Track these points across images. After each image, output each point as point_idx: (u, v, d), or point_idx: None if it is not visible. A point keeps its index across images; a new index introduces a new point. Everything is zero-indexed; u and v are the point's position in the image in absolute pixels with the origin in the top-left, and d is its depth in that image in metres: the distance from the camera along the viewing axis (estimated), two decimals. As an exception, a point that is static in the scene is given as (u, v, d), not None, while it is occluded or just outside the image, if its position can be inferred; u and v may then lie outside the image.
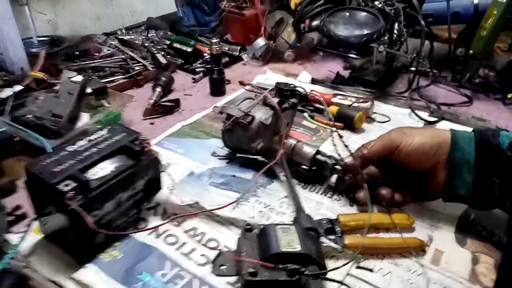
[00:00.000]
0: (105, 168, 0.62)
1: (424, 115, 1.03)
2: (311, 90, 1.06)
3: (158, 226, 0.67)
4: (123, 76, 1.16)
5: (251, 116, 0.79)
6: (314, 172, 0.78)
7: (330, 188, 0.78)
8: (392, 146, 0.68)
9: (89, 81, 0.92)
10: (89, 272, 0.60)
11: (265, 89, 0.81)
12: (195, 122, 0.99)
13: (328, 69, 1.27)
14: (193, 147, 0.89)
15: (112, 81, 1.14)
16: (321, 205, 0.74)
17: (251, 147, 0.80)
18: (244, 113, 0.79)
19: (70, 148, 0.64)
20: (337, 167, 0.73)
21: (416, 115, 1.03)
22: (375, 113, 1.03)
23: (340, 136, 0.70)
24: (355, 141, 0.93)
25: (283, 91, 0.75)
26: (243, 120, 0.79)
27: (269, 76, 1.23)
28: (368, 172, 0.73)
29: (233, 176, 0.80)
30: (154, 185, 0.71)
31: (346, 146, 0.70)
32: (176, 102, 1.06)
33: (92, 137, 0.67)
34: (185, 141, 0.91)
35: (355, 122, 0.95)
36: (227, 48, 1.37)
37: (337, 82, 1.19)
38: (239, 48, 1.36)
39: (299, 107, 1.03)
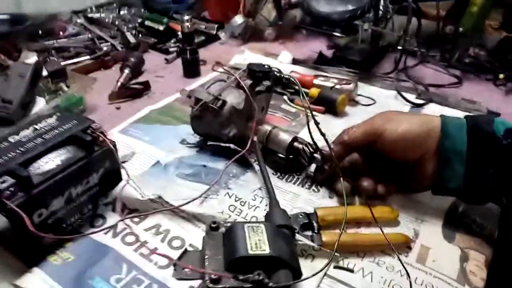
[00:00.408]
0: (51, 161, 0.55)
1: (411, 97, 0.97)
2: (291, 71, 1.00)
3: (112, 226, 0.60)
4: (89, 57, 1.07)
5: (222, 100, 0.72)
6: (291, 161, 0.71)
7: (308, 178, 0.71)
8: (376, 132, 0.62)
9: (46, 63, 0.83)
10: (34, 279, 0.53)
11: (239, 70, 0.74)
12: (165, 107, 0.91)
13: (311, 49, 1.20)
14: (161, 134, 0.82)
15: (77, 62, 1.06)
16: (298, 198, 0.67)
17: (223, 134, 0.73)
18: (214, 97, 0.72)
19: (12, 139, 0.57)
20: (315, 155, 0.67)
21: (403, 97, 0.96)
22: (359, 95, 0.96)
23: (316, 123, 0.63)
24: (337, 125, 0.86)
25: (256, 73, 0.68)
26: (213, 105, 0.71)
27: (248, 56, 1.15)
28: (350, 160, 0.66)
29: (203, 166, 0.73)
30: (112, 177, 0.63)
31: (323, 134, 0.63)
32: (146, 85, 0.98)
33: (38, 126, 0.59)
34: (153, 128, 0.84)
35: (337, 105, 0.88)
36: (203, 27, 1.28)
37: (320, 62, 1.12)
38: (216, 26, 1.28)
39: (278, 90, 0.97)
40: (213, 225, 0.55)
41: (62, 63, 1.01)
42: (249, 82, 0.70)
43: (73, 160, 0.57)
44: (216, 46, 1.26)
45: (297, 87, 0.86)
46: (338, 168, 0.62)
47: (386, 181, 0.64)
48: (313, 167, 0.70)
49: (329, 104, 0.89)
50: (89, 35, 1.16)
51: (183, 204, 0.61)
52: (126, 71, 1.01)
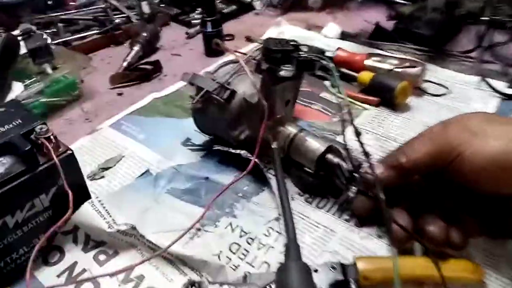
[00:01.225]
0: (-30, 181, 0.39)
1: (501, 85, 0.71)
2: (338, 48, 0.77)
3: (67, 268, 0.44)
4: (97, 31, 0.91)
5: (230, 90, 0.52)
6: (322, 179, 0.51)
7: (348, 205, 0.50)
8: (450, 154, 0.39)
9: (29, 38, 0.67)
10: None
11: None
12: (172, 94, 0.73)
13: (365, 20, 0.95)
14: (161, 131, 0.64)
15: (83, 37, 0.90)
16: (331, 235, 0.47)
17: (231, 136, 0.54)
18: (219, 85, 0.52)
19: None
20: (356, 175, 0.46)
21: (489, 85, 0.71)
22: (427, 81, 0.72)
23: (357, 131, 0.42)
24: (395, 124, 0.64)
25: (272, 53, 0.47)
26: (218, 96, 0.52)
27: (285, 29, 0.93)
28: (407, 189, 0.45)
29: (205, 178, 0.55)
30: (74, 196, 0.46)
31: (364, 150, 0.41)
32: (156, 65, 0.80)
33: (-31, 127, 0.43)
34: (152, 122, 0.66)
35: (397, 95, 0.65)
36: (236, -7, 1.07)
37: (376, 37, 0.87)
38: (251, -8, 1.06)
39: (319, 72, 0.75)
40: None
41: (64, 39, 0.87)
42: (264, 66, 0.49)
43: (7, 177, 0.40)
44: (249, 17, 1.06)
45: (345, 70, 0.66)
46: (385, 206, 0.40)
47: (463, 222, 0.42)
48: (354, 190, 0.49)
49: (385, 94, 0.66)
50: (103, 6, 1.00)
51: (169, 246, 0.43)
52: (136, 48, 0.84)
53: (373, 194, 0.45)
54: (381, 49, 0.82)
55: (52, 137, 0.43)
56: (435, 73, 0.76)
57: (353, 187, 0.47)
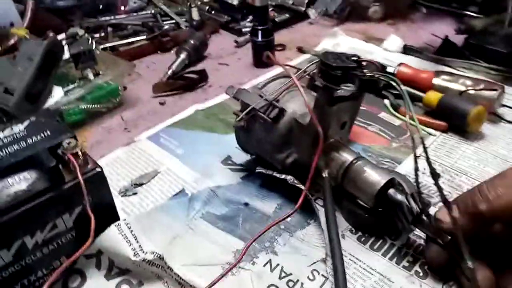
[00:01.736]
0: (-9, 196, 0.36)
1: None
2: (400, 64, 0.70)
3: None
4: (144, 37, 0.88)
5: (278, 109, 0.46)
6: (380, 217, 0.43)
7: (407, 249, 0.43)
8: None
9: (73, 43, 0.65)
10: None
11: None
12: (215, 106, 0.68)
13: (432, 33, 0.86)
14: (200, 146, 0.59)
15: (130, 43, 0.88)
16: (387, 285, 0.40)
17: (277, 159, 0.48)
18: (267, 103, 0.46)
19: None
20: (424, 218, 0.38)
21: None
22: (504, 105, 0.63)
23: (436, 175, 0.34)
24: (465, 156, 0.55)
25: (331, 70, 0.40)
26: (264, 114, 0.46)
27: (341, 41, 0.86)
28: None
29: (245, 205, 0.49)
30: (100, 217, 0.42)
31: (435, 177, 0.34)
32: (202, 75, 0.76)
33: (-2, 136, 0.40)
34: (192, 135, 0.61)
35: (470, 122, 0.56)
36: (290, 1, 1.02)
37: (444, 52, 0.79)
38: (306, 1, 1.00)
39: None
40: None
41: (111, 44, 0.85)
42: (319, 83, 0.43)
43: (29, 195, 0.37)
44: (303, 26, 1.00)
45: (408, 88, 0.58)
46: (463, 257, 0.32)
47: None
48: (417, 234, 0.42)
49: (456, 118, 0.58)
50: (152, 11, 0.97)
51: (209, 285, 0.38)
52: (182, 55, 0.80)
53: (443, 242, 0.38)
54: (449, 67, 0.73)
55: (80, 152, 0.39)
56: (513, 96, 0.66)
57: (417, 230, 0.40)
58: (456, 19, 0.93)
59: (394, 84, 0.39)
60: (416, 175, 0.35)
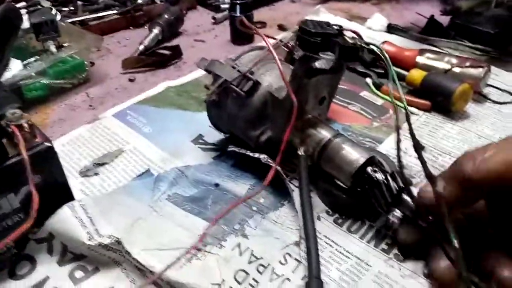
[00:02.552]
0: None
1: None
2: (384, 42, 0.67)
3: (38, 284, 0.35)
4: (116, 12, 0.83)
5: (253, 82, 0.43)
6: (358, 198, 0.40)
7: (388, 231, 0.40)
8: None
9: (33, 12, 0.60)
10: None
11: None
12: (188, 84, 0.64)
13: (417, 12, 0.84)
14: (171, 124, 0.55)
15: (101, 17, 0.82)
16: (365, 269, 0.37)
17: (250, 137, 0.45)
18: (240, 75, 0.43)
19: None
20: (405, 197, 0.35)
21: None
22: (490, 85, 0.61)
23: (420, 148, 0.31)
24: (449, 136, 0.53)
25: (311, 37, 0.37)
26: (237, 87, 0.43)
27: (323, 19, 0.82)
28: (473, 213, 0.35)
29: (216, 185, 0.45)
30: (52, 197, 0.38)
31: (427, 171, 0.31)
32: (175, 51, 0.72)
33: None
34: (161, 113, 0.57)
35: (454, 100, 0.54)
36: (272, -22, 0.98)
37: (430, 32, 0.76)
38: (288, -22, 0.96)
39: (360, 68, 0.65)
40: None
41: (80, 18, 0.79)
42: (299, 53, 0.39)
43: (-35, 171, 0.32)
44: (285, 4, 0.96)
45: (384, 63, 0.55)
46: (451, 229, 0.29)
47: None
48: (398, 215, 0.39)
49: (440, 97, 0.55)
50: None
51: (161, 272, 0.34)
52: (155, 30, 0.76)
53: (425, 223, 0.35)
54: (435, 46, 0.70)
55: (25, 124, 0.35)
56: (499, 77, 0.64)
57: (396, 211, 0.37)
58: (442, 0, 0.90)
59: (376, 50, 0.35)
60: (398, 148, 0.32)
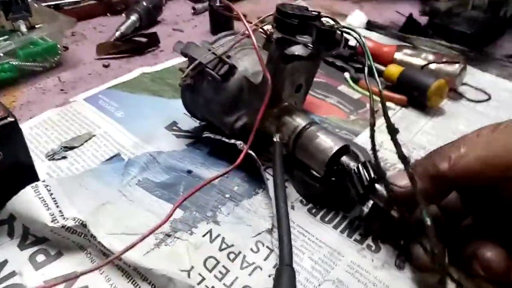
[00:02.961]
0: None
1: (554, 96, 0.60)
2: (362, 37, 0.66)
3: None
4: (93, -3, 0.81)
5: (229, 65, 0.42)
6: (332, 187, 0.40)
7: (359, 222, 0.40)
8: (509, 161, 0.29)
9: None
10: None
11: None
12: (164, 70, 0.63)
13: (396, 10, 0.84)
14: (143, 110, 0.54)
15: (78, 2, 0.80)
16: (337, 259, 0.36)
17: (225, 123, 0.44)
18: (215, 57, 0.42)
19: None
20: (378, 187, 0.35)
21: (539, 94, 0.60)
22: (465, 84, 0.61)
23: (394, 131, 0.30)
24: (424, 131, 0.53)
25: (288, 19, 0.36)
26: (213, 71, 0.42)
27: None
28: (446, 204, 0.34)
29: (188, 172, 0.44)
30: (13, 177, 0.36)
31: (401, 154, 0.31)
32: (152, 38, 0.70)
33: None
34: (135, 99, 0.56)
35: (430, 95, 0.54)
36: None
37: (408, 30, 0.77)
38: (270, -28, 0.95)
39: (338, 63, 0.65)
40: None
41: (54, 2, 0.77)
42: (276, 35, 0.39)
43: None
44: (267, -2, 0.95)
45: (361, 48, 0.54)
46: (423, 207, 0.29)
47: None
48: (369, 205, 0.38)
49: (416, 92, 0.55)
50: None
51: (122, 252, 0.33)
52: (133, 17, 0.74)
53: (398, 213, 0.34)
54: (412, 44, 0.71)
55: (-14, 97, 0.33)
56: (474, 76, 0.65)
57: (370, 202, 0.37)
58: (421, 1, 0.91)
59: (353, 35, 0.35)
60: (372, 136, 0.32)
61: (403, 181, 0.32)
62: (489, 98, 0.60)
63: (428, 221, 0.26)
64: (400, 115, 0.56)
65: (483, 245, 0.31)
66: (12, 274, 0.34)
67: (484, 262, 0.30)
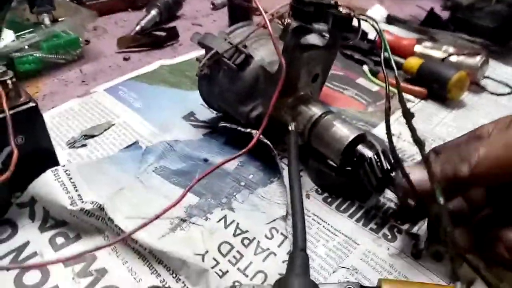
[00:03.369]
0: None
1: None
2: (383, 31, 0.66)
3: (15, 250, 0.35)
4: (115, -8, 0.82)
5: (245, 55, 0.42)
6: (347, 176, 0.40)
7: (375, 211, 0.39)
8: None
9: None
10: None
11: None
12: (183, 63, 0.63)
13: (417, 5, 0.83)
14: (162, 101, 0.54)
15: (99, -3, 0.82)
16: (352, 247, 0.36)
17: (241, 113, 0.44)
18: (232, 47, 0.42)
19: None
20: (394, 176, 0.35)
21: None
22: (486, 77, 0.60)
23: (408, 115, 0.30)
24: (444, 123, 0.52)
25: (303, 6, 0.36)
26: (229, 61, 0.42)
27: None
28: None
29: (205, 161, 0.45)
30: (35, 161, 0.37)
31: (417, 141, 0.30)
32: (171, 33, 0.71)
33: None
34: (153, 90, 0.57)
35: (450, 87, 0.53)
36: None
37: (429, 24, 0.75)
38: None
39: (357, 56, 0.64)
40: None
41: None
42: (293, 23, 0.39)
43: None
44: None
45: (379, 47, 0.54)
46: (437, 188, 0.28)
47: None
48: (389, 195, 0.38)
49: (436, 85, 0.54)
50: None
51: (133, 231, 0.33)
52: (153, 12, 0.75)
53: (413, 202, 0.34)
54: (433, 38, 0.70)
55: (9, 81, 0.34)
56: (496, 70, 0.64)
57: (387, 192, 0.37)
58: (443, -5, 0.90)
59: (371, 22, 0.35)
60: (388, 123, 0.31)
61: (420, 174, 0.31)
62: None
63: (441, 200, 0.26)
64: (420, 107, 0.55)
65: (507, 228, 0.30)
66: (34, 254, 0.35)
67: (509, 242, 0.30)
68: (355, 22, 0.37)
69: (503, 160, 0.29)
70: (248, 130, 0.42)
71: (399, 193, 0.36)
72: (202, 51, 0.46)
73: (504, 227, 0.30)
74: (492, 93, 0.58)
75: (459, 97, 0.55)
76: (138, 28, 0.72)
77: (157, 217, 0.34)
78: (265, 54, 0.43)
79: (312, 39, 0.40)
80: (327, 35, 0.39)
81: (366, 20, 0.35)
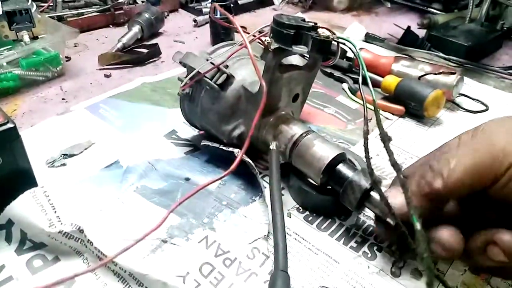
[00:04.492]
0: None
1: (550, 106, 0.60)
2: (360, 49, 0.67)
3: (-12, 271, 0.34)
4: (96, 9, 0.82)
5: (226, 75, 0.42)
6: (328, 195, 0.40)
7: (355, 229, 0.40)
8: (498, 167, 0.29)
9: (6, 0, 0.59)
10: None
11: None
12: (164, 80, 0.63)
13: (395, 23, 0.85)
14: (143, 119, 0.54)
15: (81, 14, 0.81)
16: (333, 265, 0.36)
17: (223, 132, 0.44)
18: (213, 67, 0.42)
19: None
20: (373, 194, 0.35)
21: (536, 106, 0.60)
22: (462, 94, 0.62)
23: (384, 136, 0.31)
24: (420, 141, 0.53)
25: (284, 29, 0.37)
26: (211, 80, 0.42)
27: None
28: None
29: (186, 179, 0.45)
30: (12, 183, 0.37)
31: (393, 161, 0.31)
32: (153, 50, 0.71)
33: None
34: (135, 108, 0.56)
35: (427, 106, 0.54)
36: (255, -14, 0.99)
37: (406, 43, 0.77)
38: (271, -14, 0.97)
39: (336, 74, 0.65)
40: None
41: (58, 14, 0.78)
42: (273, 45, 0.39)
43: None
44: (267, 11, 0.97)
45: (358, 66, 0.55)
46: (414, 213, 0.28)
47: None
48: (367, 214, 0.39)
49: (413, 103, 0.56)
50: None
51: (116, 255, 0.33)
52: (135, 29, 0.75)
53: (392, 223, 0.35)
54: (410, 56, 0.72)
55: (-13, 103, 0.33)
56: (471, 87, 0.66)
57: (366, 210, 0.37)
58: (419, 14, 0.93)
59: (349, 45, 0.36)
60: (366, 143, 0.32)
61: (399, 198, 0.32)
62: (487, 109, 0.60)
63: (418, 226, 0.26)
64: (397, 125, 0.56)
65: (500, 230, 0.30)
66: (9, 279, 0.34)
67: (504, 244, 0.30)
68: (334, 46, 0.38)
69: (471, 168, 0.29)
70: (230, 149, 0.42)
71: (378, 212, 0.36)
72: (184, 69, 0.47)
73: (492, 231, 0.31)
74: (467, 111, 0.60)
75: (436, 115, 0.56)
76: (119, 45, 0.72)
77: (137, 242, 0.33)
78: (247, 73, 0.43)
79: (293, 59, 0.41)
80: (306, 55, 0.40)
81: (344, 43, 0.36)
